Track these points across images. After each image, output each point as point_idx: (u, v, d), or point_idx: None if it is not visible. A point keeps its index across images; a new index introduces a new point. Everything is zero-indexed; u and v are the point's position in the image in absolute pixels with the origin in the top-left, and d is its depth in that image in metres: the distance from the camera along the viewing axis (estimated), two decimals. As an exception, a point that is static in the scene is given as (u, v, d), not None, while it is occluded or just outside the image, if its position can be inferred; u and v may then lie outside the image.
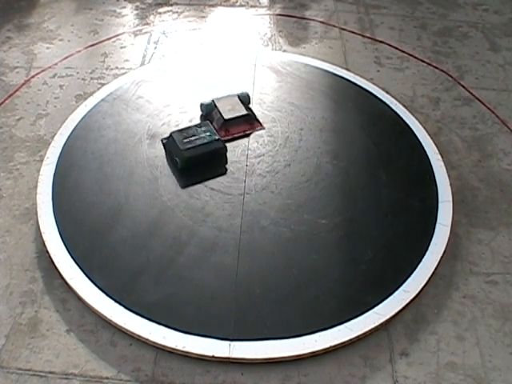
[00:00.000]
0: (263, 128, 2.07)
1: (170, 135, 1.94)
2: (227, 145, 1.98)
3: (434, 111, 2.27)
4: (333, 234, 1.74)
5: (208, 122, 2.01)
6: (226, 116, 2.04)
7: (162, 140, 2.00)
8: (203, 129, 1.95)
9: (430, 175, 1.93)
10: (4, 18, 2.73)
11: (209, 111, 2.09)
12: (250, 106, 2.14)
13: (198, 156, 1.89)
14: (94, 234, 1.71)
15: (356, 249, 1.70)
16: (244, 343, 1.45)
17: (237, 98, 2.10)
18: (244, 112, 2.06)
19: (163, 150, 1.98)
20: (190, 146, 1.88)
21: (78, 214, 1.76)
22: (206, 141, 1.91)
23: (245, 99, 2.11)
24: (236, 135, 2.04)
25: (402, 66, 2.51)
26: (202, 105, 2.10)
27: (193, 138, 1.90)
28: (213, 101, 2.09)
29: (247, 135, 2.05)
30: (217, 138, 1.93)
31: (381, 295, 1.57)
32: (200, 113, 2.12)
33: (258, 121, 2.10)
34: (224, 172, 1.92)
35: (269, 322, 1.50)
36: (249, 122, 2.07)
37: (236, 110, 2.06)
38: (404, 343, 1.52)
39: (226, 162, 1.95)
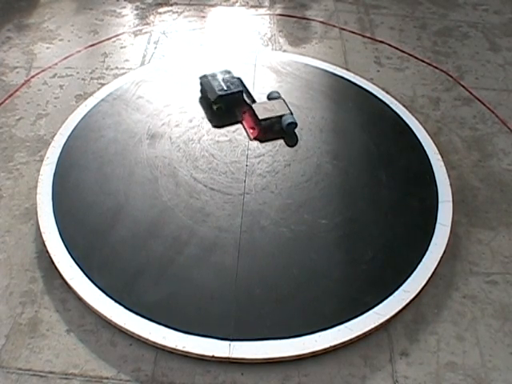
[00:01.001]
0: (250, 138, 2.04)
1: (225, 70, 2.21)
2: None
3: (433, 111, 2.27)
4: (333, 234, 1.74)
5: (241, 89, 2.13)
6: (254, 105, 2.09)
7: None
8: (232, 86, 2.13)
9: (430, 175, 1.93)
10: (4, 17, 2.73)
11: (269, 98, 2.16)
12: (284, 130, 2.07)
13: (202, 86, 2.20)
14: (94, 234, 1.71)
15: (356, 249, 1.70)
16: (244, 343, 1.45)
17: (283, 112, 2.06)
18: (260, 117, 2.04)
19: (163, 150, 1.99)
20: (209, 78, 2.17)
21: (78, 214, 1.76)
22: (214, 86, 2.13)
23: (285, 121, 2.04)
24: (240, 119, 2.11)
25: (402, 66, 2.51)
26: (271, 92, 2.17)
27: (220, 78, 2.15)
28: (279, 97, 2.14)
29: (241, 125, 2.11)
30: (220, 93, 2.09)
31: (381, 295, 1.57)
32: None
33: (258, 134, 2.05)
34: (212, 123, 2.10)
35: (269, 322, 1.50)
36: (253, 125, 2.08)
37: (264, 112, 2.05)
38: (404, 343, 1.52)
39: (216, 116, 2.13)
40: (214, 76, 2.16)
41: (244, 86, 2.17)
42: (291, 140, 2.05)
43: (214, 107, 2.10)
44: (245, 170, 1.93)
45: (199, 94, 2.22)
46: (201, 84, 2.19)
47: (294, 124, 2.05)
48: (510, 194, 1.94)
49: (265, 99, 2.16)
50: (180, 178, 1.89)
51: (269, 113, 2.05)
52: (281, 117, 2.05)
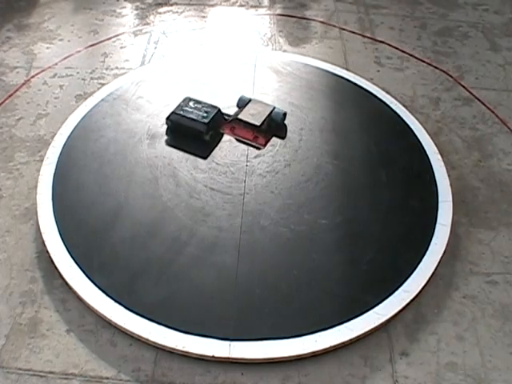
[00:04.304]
0: (261, 148, 2.00)
1: (185, 98, 2.08)
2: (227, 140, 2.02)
3: (434, 111, 2.27)
4: (333, 234, 1.74)
5: (218, 108, 2.04)
6: (240, 116, 2.05)
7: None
8: (208, 109, 2.02)
9: (430, 175, 1.93)
10: (4, 17, 2.73)
11: (240, 105, 2.11)
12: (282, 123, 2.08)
13: (179, 124, 2.02)
14: (93, 234, 1.71)
15: (356, 249, 1.70)
16: (244, 343, 1.45)
17: (270, 109, 2.05)
18: (257, 123, 2.02)
19: (163, 150, 1.99)
20: (181, 113, 2.02)
21: (77, 214, 1.76)
22: (194, 117, 2.00)
23: (276, 116, 2.05)
24: (236, 137, 2.04)
25: (402, 66, 2.51)
26: (240, 98, 2.11)
27: (190, 110, 2.02)
28: (250, 99, 2.11)
29: (243, 142, 2.03)
30: (205, 121, 1.98)
31: (381, 295, 1.57)
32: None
33: (265, 140, 2.02)
34: (203, 155, 1.98)
35: (269, 322, 1.50)
36: (253, 135, 2.03)
37: (255, 117, 2.03)
38: (404, 343, 1.52)
39: (208, 146, 2.00)
40: (183, 109, 2.03)
41: (211, 105, 2.07)
42: (284, 131, 2.06)
43: (207, 137, 1.99)
44: (245, 170, 1.93)
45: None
46: (172, 122, 2.03)
47: (284, 114, 2.06)
48: (510, 193, 1.94)
49: (264, 100, 2.16)
50: (180, 178, 1.89)
51: (259, 116, 2.02)
52: (270, 114, 2.05)
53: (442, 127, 2.19)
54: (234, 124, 2.06)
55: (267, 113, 2.05)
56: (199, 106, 2.03)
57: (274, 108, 2.07)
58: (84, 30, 2.68)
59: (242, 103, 2.11)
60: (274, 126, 2.06)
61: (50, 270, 1.64)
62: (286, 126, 2.08)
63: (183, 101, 2.07)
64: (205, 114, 2.00)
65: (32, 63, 2.46)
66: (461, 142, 2.14)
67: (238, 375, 1.43)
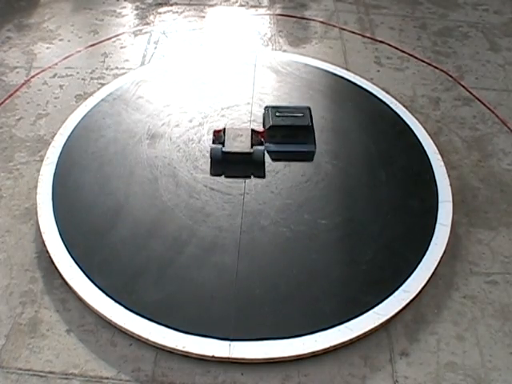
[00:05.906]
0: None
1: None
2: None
3: (434, 111, 2.27)
4: (333, 234, 1.74)
5: (292, 122, 2.03)
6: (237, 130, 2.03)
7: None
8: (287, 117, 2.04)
9: (430, 175, 1.93)
10: (4, 17, 2.73)
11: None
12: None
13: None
14: (93, 234, 1.71)
15: (356, 249, 1.70)
16: (244, 343, 1.45)
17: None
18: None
19: (163, 150, 1.98)
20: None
21: (78, 214, 1.76)
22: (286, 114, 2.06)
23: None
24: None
25: (402, 66, 2.51)
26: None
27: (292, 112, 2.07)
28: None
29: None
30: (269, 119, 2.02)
31: (381, 295, 1.57)
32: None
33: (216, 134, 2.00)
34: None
35: (269, 322, 1.50)
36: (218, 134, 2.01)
37: (236, 135, 1.99)
38: (404, 343, 1.52)
39: None
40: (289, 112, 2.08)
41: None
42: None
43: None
44: (245, 170, 1.93)
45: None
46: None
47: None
48: (510, 193, 1.94)
49: (265, 100, 2.15)
50: (180, 178, 1.89)
51: (236, 138, 1.98)
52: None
53: (442, 127, 2.19)
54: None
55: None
56: (296, 115, 2.05)
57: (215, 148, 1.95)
58: (84, 30, 2.68)
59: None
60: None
61: (49, 270, 1.64)
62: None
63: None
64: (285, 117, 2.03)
65: (32, 63, 2.46)
66: (461, 142, 2.14)
67: (238, 375, 1.43)
